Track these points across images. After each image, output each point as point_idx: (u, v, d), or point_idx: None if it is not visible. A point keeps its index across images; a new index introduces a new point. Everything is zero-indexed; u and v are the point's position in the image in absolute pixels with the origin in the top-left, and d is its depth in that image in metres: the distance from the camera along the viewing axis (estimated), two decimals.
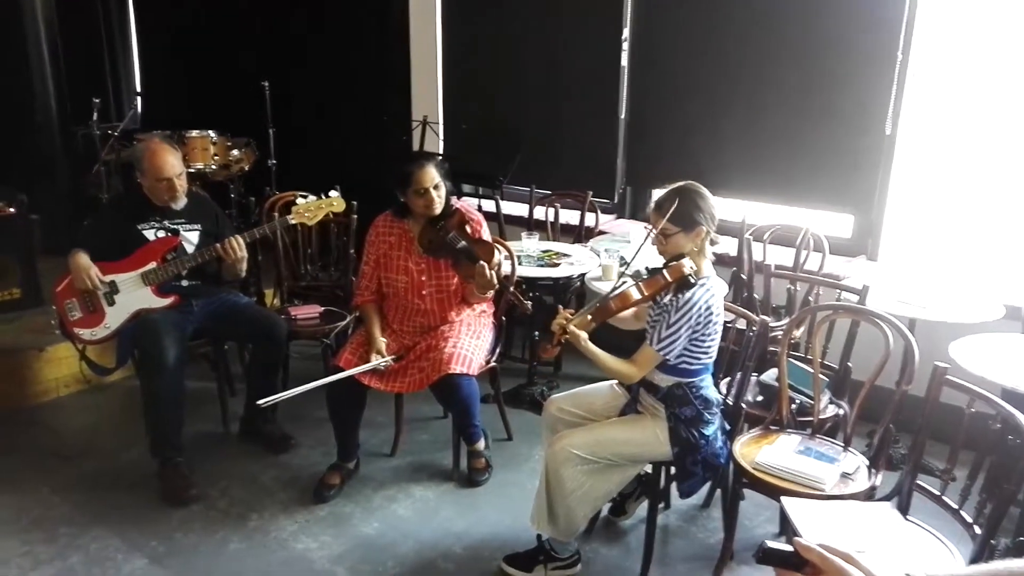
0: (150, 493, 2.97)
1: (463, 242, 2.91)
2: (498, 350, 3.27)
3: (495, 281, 2.84)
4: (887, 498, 2.26)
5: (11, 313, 3.94)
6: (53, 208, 4.75)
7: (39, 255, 4.14)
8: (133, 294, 3.05)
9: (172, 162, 3.06)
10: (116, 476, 3.11)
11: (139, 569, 2.57)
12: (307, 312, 3.59)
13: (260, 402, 2.88)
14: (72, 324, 3.06)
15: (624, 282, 2.34)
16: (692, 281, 2.27)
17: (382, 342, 2.97)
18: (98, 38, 6.47)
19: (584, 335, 2.30)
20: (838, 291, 3.07)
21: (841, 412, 2.75)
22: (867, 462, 2.43)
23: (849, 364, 2.91)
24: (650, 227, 2.39)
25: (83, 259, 2.97)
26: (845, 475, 2.36)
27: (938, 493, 2.17)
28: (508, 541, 2.71)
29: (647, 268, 2.39)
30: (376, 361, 2.90)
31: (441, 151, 4.88)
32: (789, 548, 1.05)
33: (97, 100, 4.95)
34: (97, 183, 5.03)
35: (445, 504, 2.98)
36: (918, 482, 2.21)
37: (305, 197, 3.38)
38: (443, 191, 2.95)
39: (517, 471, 3.19)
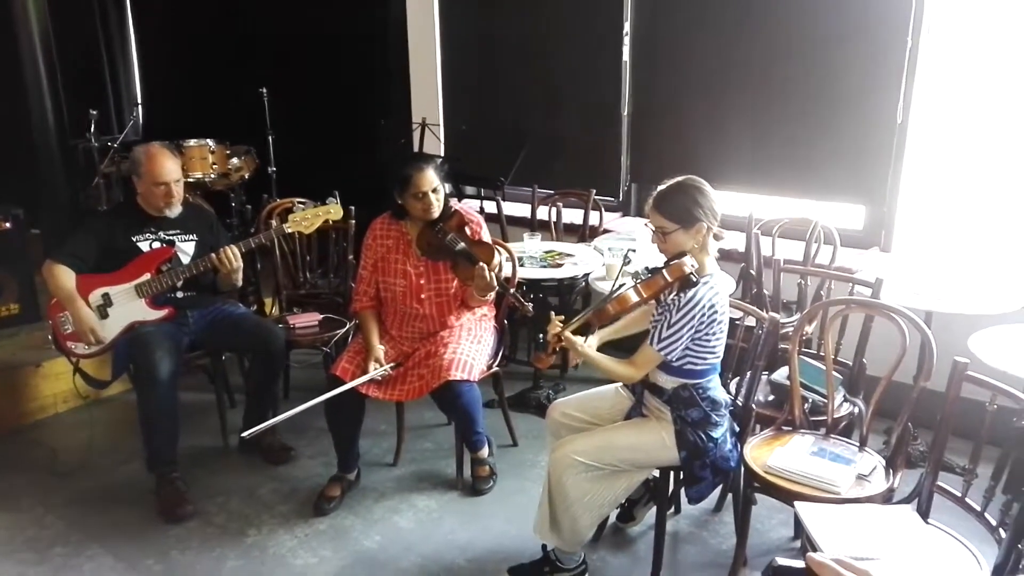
0: (146, 510, 2.90)
1: (462, 244, 2.83)
2: (500, 354, 3.19)
3: (494, 283, 2.76)
4: (906, 500, 2.16)
5: (10, 329, 3.90)
6: (53, 222, 4.71)
7: (38, 270, 4.10)
8: (127, 307, 2.99)
9: (170, 167, 3.02)
10: (112, 493, 3.05)
11: None
12: (306, 321, 3.52)
13: (244, 434, 2.82)
14: (65, 338, 3.00)
15: (623, 284, 2.25)
16: (694, 280, 2.18)
17: (380, 350, 2.89)
18: (96, 49, 6.45)
19: (579, 340, 2.22)
20: (851, 285, 2.96)
21: (856, 410, 2.65)
22: (884, 462, 2.33)
23: (864, 360, 2.80)
24: (649, 224, 2.30)
25: (86, 313, 2.91)
26: (861, 477, 2.25)
27: (960, 495, 2.06)
28: (513, 551, 2.62)
29: (647, 268, 2.30)
30: (375, 371, 2.82)
31: (442, 153, 4.81)
32: (801, 565, 0.97)
33: (95, 112, 4.92)
34: (97, 196, 5.00)
35: (448, 514, 2.89)
36: (939, 483, 2.11)
37: (303, 204, 3.31)
38: (441, 194, 2.88)
39: (523, 478, 3.10)
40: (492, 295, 2.92)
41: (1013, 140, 3.21)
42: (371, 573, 2.58)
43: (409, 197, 2.85)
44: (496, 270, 2.80)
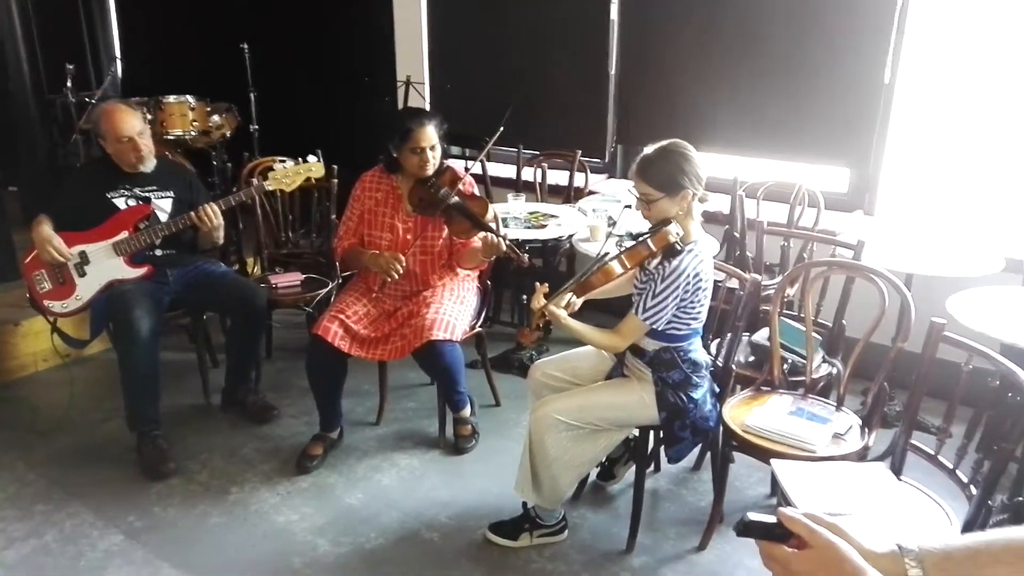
0: (128, 468, 2.91)
1: (456, 198, 2.81)
2: (483, 315, 3.18)
3: (502, 245, 2.72)
4: (880, 458, 2.19)
5: None
6: (31, 179, 4.63)
7: (20, 227, 4.03)
8: (104, 265, 2.96)
9: (131, 121, 2.96)
10: (94, 451, 3.05)
11: (115, 545, 2.52)
12: (288, 280, 3.50)
13: None
14: (41, 296, 2.97)
15: (606, 253, 2.24)
16: (679, 248, 2.17)
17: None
18: (73, 1, 6.28)
19: (563, 313, 2.20)
20: (833, 247, 2.97)
21: (834, 371, 2.67)
22: (860, 422, 2.35)
23: (843, 322, 2.82)
24: (633, 191, 2.28)
25: (45, 229, 2.87)
26: (837, 436, 2.28)
27: (933, 452, 2.09)
28: (494, 509, 2.65)
29: (630, 234, 2.29)
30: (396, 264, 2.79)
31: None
32: (772, 519, 0.97)
33: (71, 67, 4.82)
34: (75, 153, 4.92)
35: (430, 473, 2.91)
36: (912, 441, 2.14)
37: (284, 162, 3.27)
38: (439, 152, 2.86)
39: (505, 437, 3.12)
40: (494, 256, 2.88)
41: (1000, 101, 3.20)
42: (353, 529, 2.60)
43: (407, 151, 2.82)
44: (493, 223, 2.79)
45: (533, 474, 2.39)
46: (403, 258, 2.83)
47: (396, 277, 2.82)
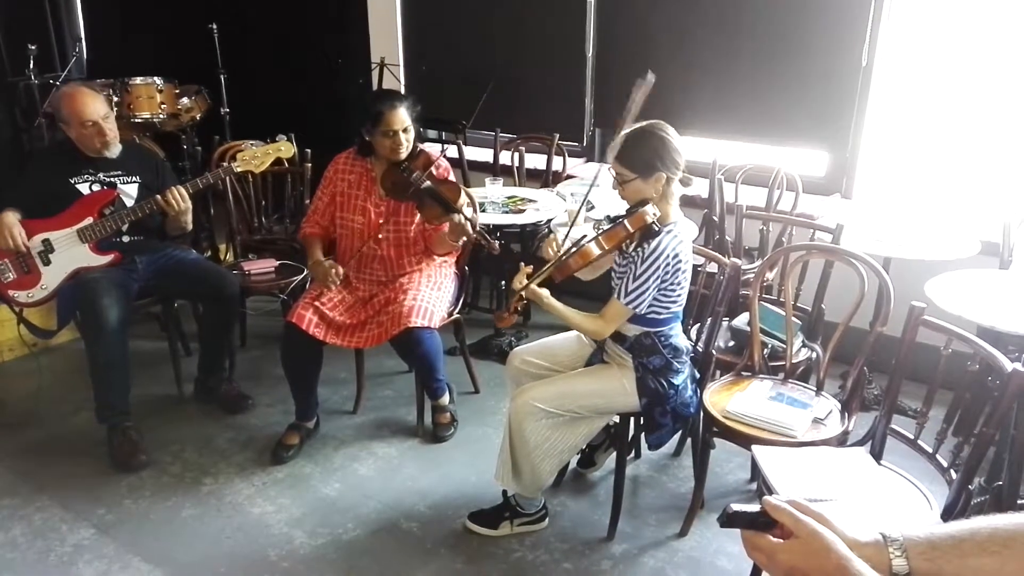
0: (98, 460, 2.84)
1: (427, 182, 2.76)
2: (462, 301, 3.14)
3: (470, 228, 2.67)
4: (860, 443, 2.19)
5: None
6: None
7: None
8: (69, 252, 2.87)
9: (94, 104, 2.85)
10: (62, 443, 2.97)
11: (85, 539, 2.46)
12: (262, 267, 3.43)
13: None
14: (6, 286, 2.87)
15: (584, 236, 2.21)
16: (656, 229, 2.14)
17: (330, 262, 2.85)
18: None
19: (546, 292, 2.19)
20: (812, 231, 2.96)
21: (814, 355, 2.67)
22: (840, 406, 2.35)
23: (823, 306, 2.82)
24: (610, 171, 2.25)
25: (8, 216, 2.77)
26: (817, 420, 2.28)
27: (912, 437, 2.09)
28: (474, 498, 2.62)
29: (608, 217, 2.26)
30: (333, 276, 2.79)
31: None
32: (756, 509, 0.95)
33: (33, 47, 4.66)
34: (40, 137, 4.78)
35: (409, 462, 2.88)
36: (892, 426, 2.14)
37: (255, 145, 3.19)
38: (411, 134, 2.80)
39: (484, 425, 3.09)
40: (463, 240, 2.84)
41: (976, 85, 3.20)
42: (330, 520, 2.56)
43: (378, 135, 2.76)
44: (464, 208, 2.74)
45: (513, 462, 2.36)
46: (342, 270, 2.83)
47: (332, 289, 2.82)
